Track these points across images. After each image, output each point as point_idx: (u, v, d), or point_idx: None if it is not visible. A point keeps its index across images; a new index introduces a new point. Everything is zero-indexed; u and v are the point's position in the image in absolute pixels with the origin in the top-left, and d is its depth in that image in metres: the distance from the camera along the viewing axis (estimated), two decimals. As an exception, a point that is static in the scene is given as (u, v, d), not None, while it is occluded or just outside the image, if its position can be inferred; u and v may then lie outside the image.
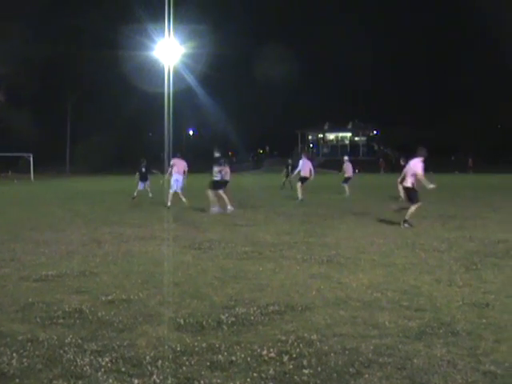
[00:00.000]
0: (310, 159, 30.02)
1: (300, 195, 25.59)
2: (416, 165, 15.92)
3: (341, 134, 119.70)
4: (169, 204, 22.12)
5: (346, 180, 30.95)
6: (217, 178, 20.93)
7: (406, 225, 15.41)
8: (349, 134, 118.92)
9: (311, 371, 5.19)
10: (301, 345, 5.85)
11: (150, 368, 5.27)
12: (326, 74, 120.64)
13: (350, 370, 5.22)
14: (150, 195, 27.24)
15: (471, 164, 75.41)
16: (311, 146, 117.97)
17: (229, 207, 20.02)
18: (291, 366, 5.31)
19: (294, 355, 5.58)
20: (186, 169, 23.99)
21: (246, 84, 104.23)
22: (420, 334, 6.17)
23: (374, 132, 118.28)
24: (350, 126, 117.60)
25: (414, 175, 15.90)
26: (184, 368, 5.28)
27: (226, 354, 5.62)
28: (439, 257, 10.96)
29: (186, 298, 7.77)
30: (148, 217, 18.18)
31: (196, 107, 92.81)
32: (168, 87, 56.54)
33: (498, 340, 6.00)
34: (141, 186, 27.81)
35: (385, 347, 5.78)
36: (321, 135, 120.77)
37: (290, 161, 38.90)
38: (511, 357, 5.52)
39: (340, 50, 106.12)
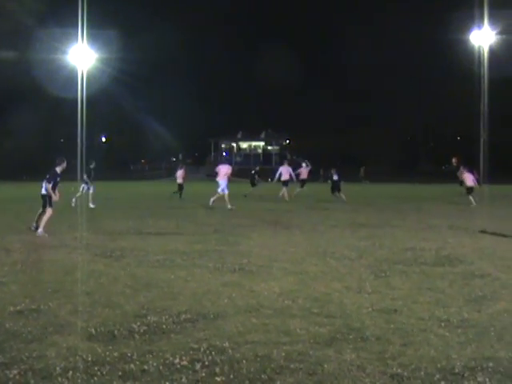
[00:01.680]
0: (290, 165, 34.39)
1: (287, 198, 31.34)
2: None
3: (254, 143, 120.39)
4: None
5: (286, 183, 33.11)
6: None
7: None
8: (262, 143, 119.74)
9: (224, 379, 5.22)
10: (213, 352, 5.87)
11: (60, 379, 5.18)
12: (238, 84, 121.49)
13: (262, 376, 5.27)
14: (73, 202, 26.31)
15: (363, 174, 76.93)
16: (224, 154, 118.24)
17: None
18: (204, 374, 5.32)
19: (207, 363, 5.59)
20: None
21: (159, 91, 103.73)
22: (330, 340, 6.28)
23: (287, 141, 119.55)
24: (263, 135, 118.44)
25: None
26: (95, 378, 5.21)
27: (138, 363, 5.58)
28: (349, 264, 11.17)
29: (98, 307, 7.67)
30: (59, 224, 17.81)
31: (109, 113, 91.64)
32: (81, 92, 55.62)
33: (405, 344, 6.18)
34: (85, 188, 26.71)
35: (296, 353, 5.86)
36: (234, 144, 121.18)
37: (257, 168, 39.05)
38: (417, 360, 5.70)
39: (256, 61, 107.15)
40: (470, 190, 28.69)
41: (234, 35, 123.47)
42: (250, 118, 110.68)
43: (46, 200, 15.96)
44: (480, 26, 63.90)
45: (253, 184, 36.13)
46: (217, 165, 29.46)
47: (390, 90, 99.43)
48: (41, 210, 16.15)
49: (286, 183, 32.45)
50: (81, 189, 26.66)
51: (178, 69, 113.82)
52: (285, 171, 32.67)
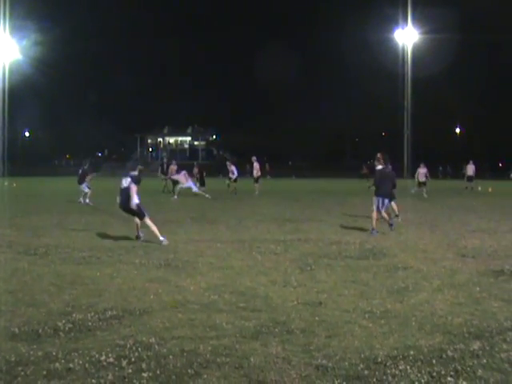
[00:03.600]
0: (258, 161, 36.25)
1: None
2: None
3: (180, 138, 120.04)
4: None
5: (258, 180, 34.92)
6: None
7: None
8: (188, 139, 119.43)
9: (150, 374, 5.21)
10: (139, 349, 5.85)
11: (-18, 380, 5.08)
12: (165, 78, 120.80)
13: (189, 371, 5.29)
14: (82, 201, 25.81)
15: (268, 168, 76.74)
16: (150, 149, 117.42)
17: None
18: (130, 370, 5.30)
19: (133, 359, 5.57)
20: None
21: (85, 84, 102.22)
22: (256, 334, 6.35)
23: (214, 137, 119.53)
24: (189, 131, 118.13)
25: None
26: (19, 379, 5.13)
27: (63, 361, 5.52)
28: (275, 259, 11.28)
29: (21, 305, 7.53)
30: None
31: (33, 107, 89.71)
32: (3, 84, 54.22)
33: (329, 336, 6.30)
34: (85, 187, 26.24)
35: (222, 347, 5.90)
36: (160, 139, 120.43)
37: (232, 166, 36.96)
38: (341, 350, 5.82)
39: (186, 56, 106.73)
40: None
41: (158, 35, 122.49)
42: (177, 113, 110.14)
43: None
44: (404, 25, 65.22)
45: (165, 174, 36.13)
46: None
47: (316, 87, 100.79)
48: None
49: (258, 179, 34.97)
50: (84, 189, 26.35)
51: (104, 62, 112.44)
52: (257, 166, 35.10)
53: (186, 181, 29.52)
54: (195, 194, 29.45)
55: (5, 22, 54.43)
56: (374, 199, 15.61)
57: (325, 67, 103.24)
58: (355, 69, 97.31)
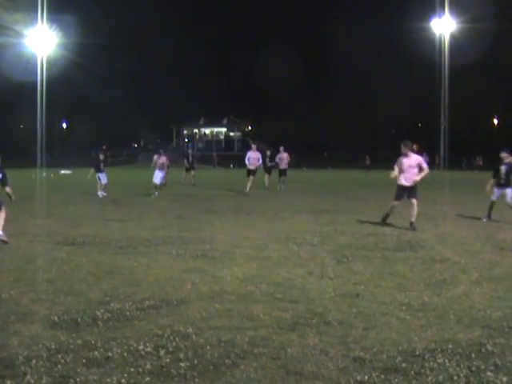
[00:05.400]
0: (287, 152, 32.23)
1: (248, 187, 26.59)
2: None
3: (216, 129, 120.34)
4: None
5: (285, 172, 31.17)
6: None
7: None
8: (224, 130, 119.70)
9: (188, 364, 5.23)
10: (177, 338, 5.88)
11: (23, 368, 5.13)
12: (200, 70, 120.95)
13: (226, 361, 5.30)
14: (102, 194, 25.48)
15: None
16: (186, 140, 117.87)
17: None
18: (168, 360, 5.33)
19: (171, 349, 5.60)
20: None
21: (120, 77, 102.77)
22: (293, 325, 6.34)
23: (249, 127, 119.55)
24: (225, 122, 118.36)
25: None
26: (59, 366, 5.18)
27: (102, 350, 5.57)
28: (312, 250, 11.26)
29: (60, 294, 7.62)
30: (20, 212, 17.62)
31: (70, 99, 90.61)
32: (41, 77, 54.81)
33: (366, 328, 6.27)
34: (103, 178, 25.85)
35: (259, 338, 5.90)
36: (196, 130, 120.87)
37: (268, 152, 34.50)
38: (379, 343, 5.78)
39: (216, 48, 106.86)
40: None
41: (186, 22, 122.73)
42: (212, 104, 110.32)
43: None
44: (441, 14, 64.40)
45: (190, 165, 35.31)
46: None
47: (352, 78, 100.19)
48: None
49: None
50: (99, 180, 26.01)
51: (141, 56, 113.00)
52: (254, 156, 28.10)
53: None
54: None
55: (42, 14, 54.93)
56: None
57: (360, 56, 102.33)
58: (392, 59, 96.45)
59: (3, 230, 11.66)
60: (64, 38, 63.20)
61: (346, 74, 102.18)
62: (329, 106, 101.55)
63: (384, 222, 15.16)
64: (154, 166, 27.56)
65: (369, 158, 69.78)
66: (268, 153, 32.58)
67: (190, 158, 36.11)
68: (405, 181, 14.83)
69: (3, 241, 11.49)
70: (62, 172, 48.67)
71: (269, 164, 31.48)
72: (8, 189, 12.26)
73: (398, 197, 15.00)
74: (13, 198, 12.38)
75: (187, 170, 35.40)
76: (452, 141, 64.76)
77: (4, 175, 12.21)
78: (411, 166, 14.78)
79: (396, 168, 15.11)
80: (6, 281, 8.47)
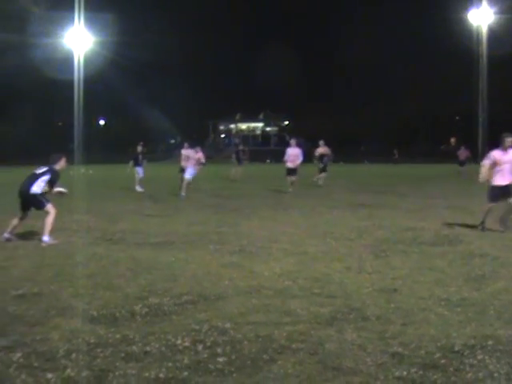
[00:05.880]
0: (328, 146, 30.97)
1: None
2: None
3: (252, 125, 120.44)
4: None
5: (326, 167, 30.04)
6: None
7: None
8: (260, 125, 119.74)
9: (225, 359, 5.24)
10: (214, 333, 5.89)
11: (63, 362, 5.19)
12: (235, 65, 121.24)
13: (264, 356, 5.29)
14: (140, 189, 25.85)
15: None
16: (223, 136, 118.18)
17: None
18: (206, 355, 5.34)
19: (208, 344, 5.61)
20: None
21: (157, 74, 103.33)
22: (331, 320, 6.31)
23: (286, 122, 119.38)
24: (261, 117, 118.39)
25: None
26: (98, 360, 5.23)
27: (140, 344, 5.60)
28: (349, 245, 11.20)
29: (99, 289, 7.69)
30: (58, 208, 17.78)
31: (107, 97, 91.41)
32: (78, 75, 55.42)
33: (405, 323, 6.21)
34: (140, 172, 26.23)
35: (297, 333, 5.88)
36: (232, 125, 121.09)
37: (240, 146, 36.62)
38: (417, 338, 5.73)
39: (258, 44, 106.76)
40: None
41: (233, 23, 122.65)
42: (249, 99, 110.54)
43: (40, 200, 11.93)
44: (478, 5, 63.59)
45: (239, 161, 34.76)
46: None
47: (388, 70, 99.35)
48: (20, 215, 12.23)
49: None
50: (137, 173, 26.43)
51: (176, 53, 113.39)
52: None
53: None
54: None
55: (79, 14, 55.56)
56: None
57: (397, 49, 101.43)
58: (428, 51, 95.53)
59: (49, 234, 11.66)
60: (101, 37, 63.82)
61: (382, 67, 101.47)
62: (367, 100, 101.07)
63: (483, 229, 13.17)
64: (183, 161, 26.30)
65: (397, 153, 69.19)
66: (325, 159, 30.30)
67: (240, 153, 35.34)
68: (502, 179, 13.19)
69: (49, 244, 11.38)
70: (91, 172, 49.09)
71: (321, 165, 29.88)
72: (55, 190, 12.08)
73: (494, 198, 13.30)
74: (64, 191, 12.32)
75: (236, 164, 34.95)
76: (491, 133, 63.89)
77: (52, 176, 11.90)
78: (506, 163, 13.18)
79: (486, 164, 13.48)
80: (46, 276, 8.58)
